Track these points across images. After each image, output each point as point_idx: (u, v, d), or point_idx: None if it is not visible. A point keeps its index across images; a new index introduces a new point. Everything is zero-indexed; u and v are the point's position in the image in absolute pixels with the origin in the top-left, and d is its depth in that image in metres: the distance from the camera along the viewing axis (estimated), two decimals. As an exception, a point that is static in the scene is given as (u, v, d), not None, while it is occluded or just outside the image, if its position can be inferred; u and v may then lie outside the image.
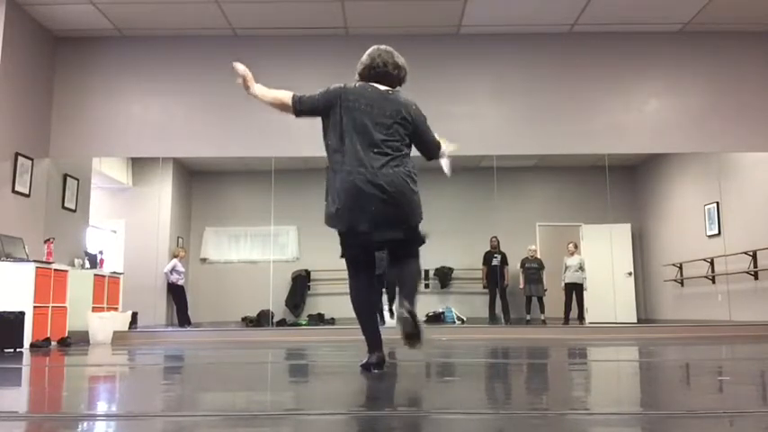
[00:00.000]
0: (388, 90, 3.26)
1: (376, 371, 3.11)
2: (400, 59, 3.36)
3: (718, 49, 7.77)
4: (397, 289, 3.22)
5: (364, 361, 3.19)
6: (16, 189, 6.84)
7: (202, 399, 2.37)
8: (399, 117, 3.17)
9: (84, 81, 7.76)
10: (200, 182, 10.56)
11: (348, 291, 3.29)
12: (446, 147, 3.43)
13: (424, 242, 3.27)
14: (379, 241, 3.12)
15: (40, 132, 7.44)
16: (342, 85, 3.24)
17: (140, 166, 9.76)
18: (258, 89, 3.34)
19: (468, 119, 7.76)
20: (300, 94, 3.26)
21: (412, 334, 2.95)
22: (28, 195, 7.05)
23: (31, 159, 7.14)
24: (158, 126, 7.74)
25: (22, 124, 7.07)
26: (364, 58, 3.32)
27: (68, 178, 7.90)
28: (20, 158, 6.92)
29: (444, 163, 3.42)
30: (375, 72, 3.27)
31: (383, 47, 3.37)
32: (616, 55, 7.82)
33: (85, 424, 1.86)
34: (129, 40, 7.82)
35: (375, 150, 3.07)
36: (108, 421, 1.94)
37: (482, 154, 8.46)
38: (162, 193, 9.58)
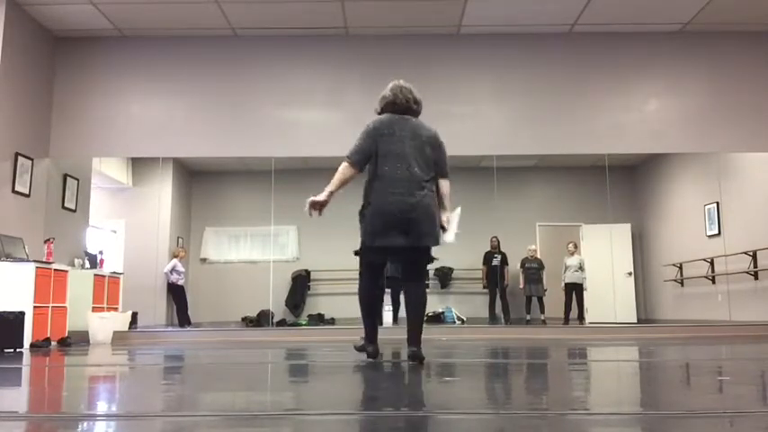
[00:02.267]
0: (413, 118, 3.67)
1: (370, 359, 3.60)
2: (419, 95, 3.73)
3: (718, 49, 7.77)
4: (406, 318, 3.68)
5: (360, 344, 3.70)
6: (16, 189, 6.84)
7: (202, 399, 2.37)
8: (428, 142, 3.60)
9: (84, 81, 7.76)
10: (200, 182, 10.56)
11: (355, 290, 3.79)
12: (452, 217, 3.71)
13: (432, 261, 3.71)
14: (399, 253, 3.56)
15: (40, 132, 7.44)
16: (370, 124, 3.62)
17: (140, 166, 9.76)
18: (328, 189, 3.55)
19: (468, 119, 7.76)
20: (349, 154, 3.58)
21: (418, 358, 3.56)
22: (28, 195, 7.05)
23: (31, 159, 7.14)
24: (158, 126, 7.74)
25: (22, 124, 7.07)
26: (387, 93, 3.68)
27: (68, 178, 7.90)
28: (20, 158, 6.92)
29: (451, 231, 3.68)
30: (398, 107, 3.65)
31: (403, 83, 3.71)
32: (616, 55, 7.82)
33: (85, 424, 1.86)
34: (129, 40, 7.82)
35: (410, 174, 3.48)
36: (108, 421, 1.94)
37: (482, 154, 8.46)
38: (162, 193, 9.58)
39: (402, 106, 3.66)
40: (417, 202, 3.47)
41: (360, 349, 3.69)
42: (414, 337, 3.60)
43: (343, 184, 3.59)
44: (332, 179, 3.57)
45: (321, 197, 3.54)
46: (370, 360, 3.58)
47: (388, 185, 3.48)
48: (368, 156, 3.59)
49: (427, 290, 3.80)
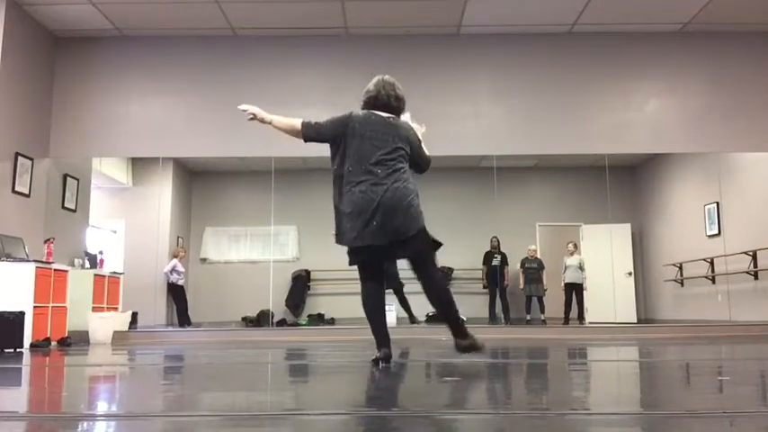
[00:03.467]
0: (389, 117, 3.58)
1: (384, 365, 3.36)
2: (401, 92, 3.68)
3: (718, 49, 7.77)
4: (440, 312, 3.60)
5: (374, 357, 3.44)
6: (16, 189, 6.84)
7: (202, 399, 2.37)
8: (400, 140, 3.50)
9: (84, 81, 7.76)
10: (200, 182, 10.56)
11: (355, 290, 3.60)
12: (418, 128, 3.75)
13: (438, 245, 3.62)
14: (385, 251, 3.44)
15: (40, 132, 7.44)
16: (348, 113, 3.55)
17: (140, 166, 9.76)
18: (273, 118, 3.63)
19: (468, 119, 7.76)
20: (310, 124, 3.54)
21: (473, 349, 3.51)
22: (28, 195, 7.05)
23: (31, 159, 7.13)
24: (158, 126, 7.74)
25: (22, 124, 7.07)
26: (371, 88, 3.64)
27: (68, 178, 7.90)
28: (20, 158, 6.92)
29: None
30: (380, 102, 3.60)
31: (387, 78, 3.68)
32: (616, 55, 7.82)
33: (85, 424, 1.86)
34: (129, 40, 7.82)
35: (378, 171, 3.38)
36: (108, 421, 1.94)
37: (482, 154, 8.46)
38: (162, 193, 9.58)
39: (383, 101, 3.60)
40: (383, 195, 3.32)
41: (375, 361, 3.46)
42: (456, 329, 3.51)
43: (284, 129, 3.63)
44: (283, 119, 3.63)
45: (263, 115, 3.63)
46: (373, 361, 3.43)
47: (352, 185, 3.40)
48: (321, 136, 3.55)
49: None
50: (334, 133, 3.51)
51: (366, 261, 3.52)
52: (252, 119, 3.66)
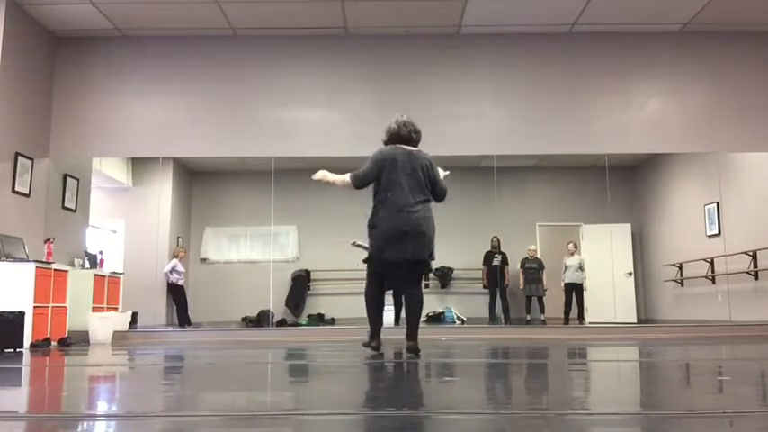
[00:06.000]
0: (413, 150, 4.22)
1: (374, 352, 4.19)
2: (418, 126, 4.34)
3: (718, 50, 7.77)
4: (404, 314, 4.37)
5: (366, 341, 4.23)
6: (16, 189, 6.84)
7: (202, 399, 2.37)
8: (423, 170, 4.14)
9: (84, 81, 7.75)
10: (201, 182, 10.56)
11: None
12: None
13: (432, 270, 4.32)
14: (401, 265, 4.09)
15: (40, 132, 7.44)
16: (379, 152, 4.19)
17: (140, 166, 9.76)
18: (336, 179, 4.24)
19: (468, 119, 7.76)
20: (354, 174, 4.18)
21: (414, 351, 4.16)
22: (28, 195, 7.05)
23: (31, 159, 7.13)
24: (158, 126, 7.74)
25: (22, 124, 7.06)
26: (393, 126, 4.27)
27: (68, 178, 7.90)
28: (20, 158, 6.92)
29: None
30: (403, 137, 4.25)
31: (405, 117, 4.31)
32: (616, 55, 7.82)
33: (85, 424, 1.86)
34: (129, 40, 7.82)
35: (409, 198, 4.04)
36: (108, 421, 1.94)
37: (483, 154, 8.46)
38: (162, 193, 9.58)
39: (405, 136, 4.24)
40: (414, 223, 4.01)
41: (366, 345, 4.21)
42: (412, 333, 4.14)
43: (340, 185, 4.24)
44: (337, 175, 4.22)
45: (329, 178, 4.23)
46: (372, 359, 3.72)
47: (390, 210, 4.04)
48: (368, 182, 4.16)
49: (426, 289, 4.07)
50: (377, 174, 4.11)
51: (383, 270, 4.15)
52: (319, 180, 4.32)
